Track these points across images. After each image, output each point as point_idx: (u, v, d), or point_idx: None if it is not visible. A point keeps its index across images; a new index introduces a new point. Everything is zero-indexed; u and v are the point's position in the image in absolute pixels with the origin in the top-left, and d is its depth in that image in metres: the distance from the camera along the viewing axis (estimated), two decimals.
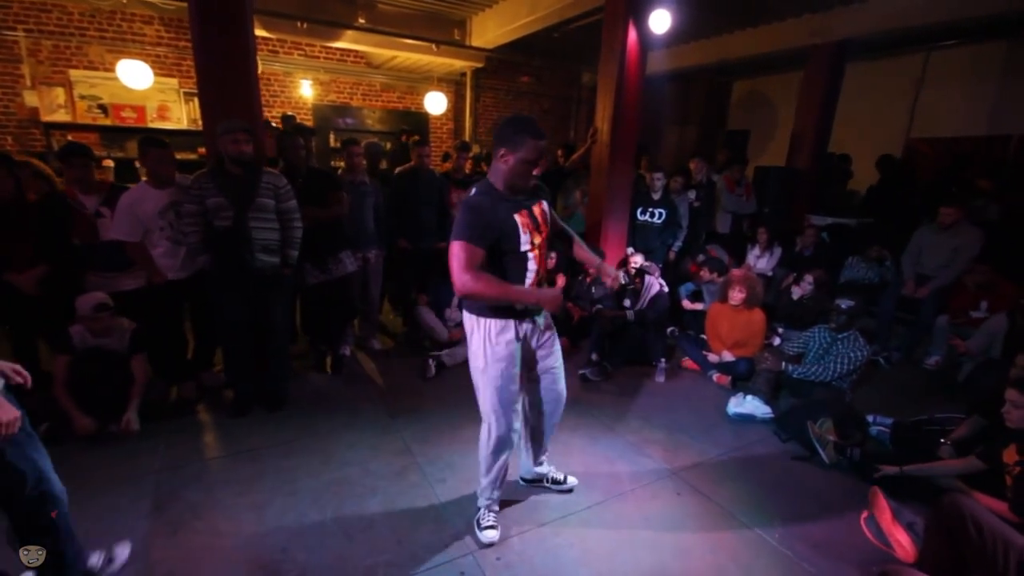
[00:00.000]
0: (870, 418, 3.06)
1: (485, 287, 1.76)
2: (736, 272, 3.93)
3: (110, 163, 5.91)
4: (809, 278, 4.31)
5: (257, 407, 3.07)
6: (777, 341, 4.22)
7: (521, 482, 2.48)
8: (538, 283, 1.95)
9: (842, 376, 3.24)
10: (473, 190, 1.87)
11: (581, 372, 3.73)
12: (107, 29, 6.09)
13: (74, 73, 5.91)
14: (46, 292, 2.96)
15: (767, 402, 3.25)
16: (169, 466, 2.53)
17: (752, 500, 2.46)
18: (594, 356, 3.89)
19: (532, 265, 1.90)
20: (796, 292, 4.44)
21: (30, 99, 5.74)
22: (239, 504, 2.28)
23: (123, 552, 1.94)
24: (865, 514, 2.34)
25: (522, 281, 1.89)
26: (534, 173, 1.83)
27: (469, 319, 1.97)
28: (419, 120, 8.13)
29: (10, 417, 1.38)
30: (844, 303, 3.28)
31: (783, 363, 3.40)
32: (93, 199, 2.98)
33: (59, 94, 5.85)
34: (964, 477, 2.24)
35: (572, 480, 2.48)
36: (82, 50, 6.01)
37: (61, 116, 5.87)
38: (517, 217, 1.83)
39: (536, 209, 1.92)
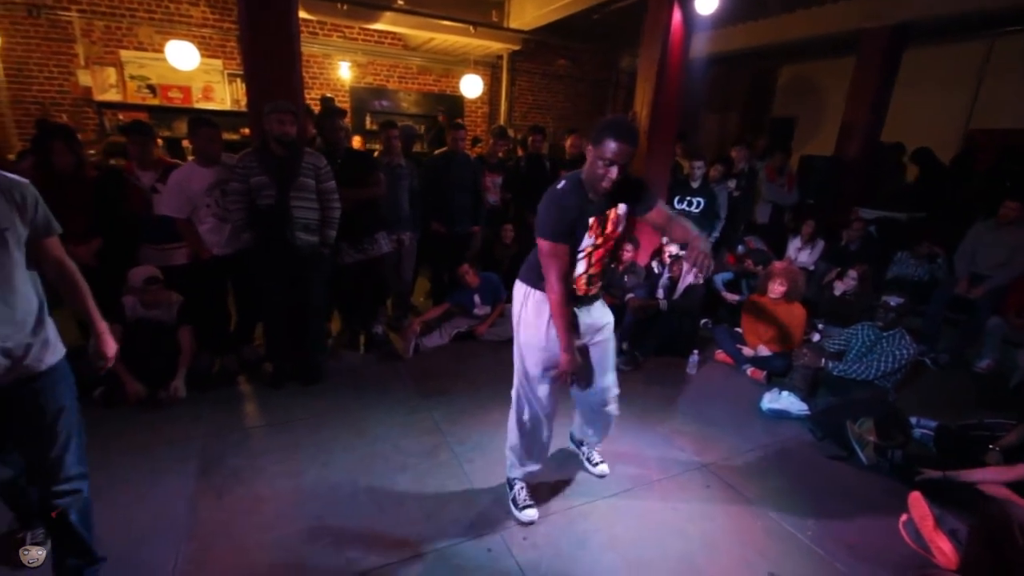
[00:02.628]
0: (913, 420, 2.95)
1: (555, 305, 1.87)
2: (778, 264, 3.82)
3: (160, 142, 6.14)
4: (854, 273, 4.15)
5: (294, 381, 3.17)
6: (817, 337, 4.10)
7: (571, 444, 2.59)
8: (586, 280, 1.98)
9: (885, 375, 3.12)
10: (563, 182, 1.87)
11: None
12: (155, 10, 6.27)
13: (124, 54, 6.13)
14: (102, 264, 3.12)
15: (803, 399, 3.17)
16: (213, 432, 2.65)
17: (784, 497, 2.42)
18: (624, 345, 3.86)
19: (581, 267, 1.94)
20: (839, 287, 4.29)
21: (84, 78, 5.98)
22: (277, 472, 2.38)
23: None
24: (904, 518, 2.27)
25: (570, 274, 1.94)
26: (611, 177, 1.74)
27: (522, 287, 2.04)
28: (454, 103, 8.12)
29: (114, 351, 1.63)
30: (892, 300, 3.14)
31: (822, 360, 3.30)
32: (150, 175, 3.12)
33: (111, 74, 6.09)
34: (1011, 485, 2.14)
35: (603, 468, 2.48)
36: (132, 31, 6.21)
37: (113, 96, 6.11)
38: (591, 219, 1.85)
39: (611, 214, 1.90)
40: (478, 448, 2.65)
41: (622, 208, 1.94)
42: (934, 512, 2.16)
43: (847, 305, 4.15)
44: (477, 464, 2.52)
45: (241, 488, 2.26)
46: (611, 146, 1.71)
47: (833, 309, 4.25)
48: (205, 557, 1.90)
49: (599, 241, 1.91)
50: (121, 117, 6.08)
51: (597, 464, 2.49)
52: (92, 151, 5.39)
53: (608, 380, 2.21)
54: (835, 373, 3.23)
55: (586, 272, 1.97)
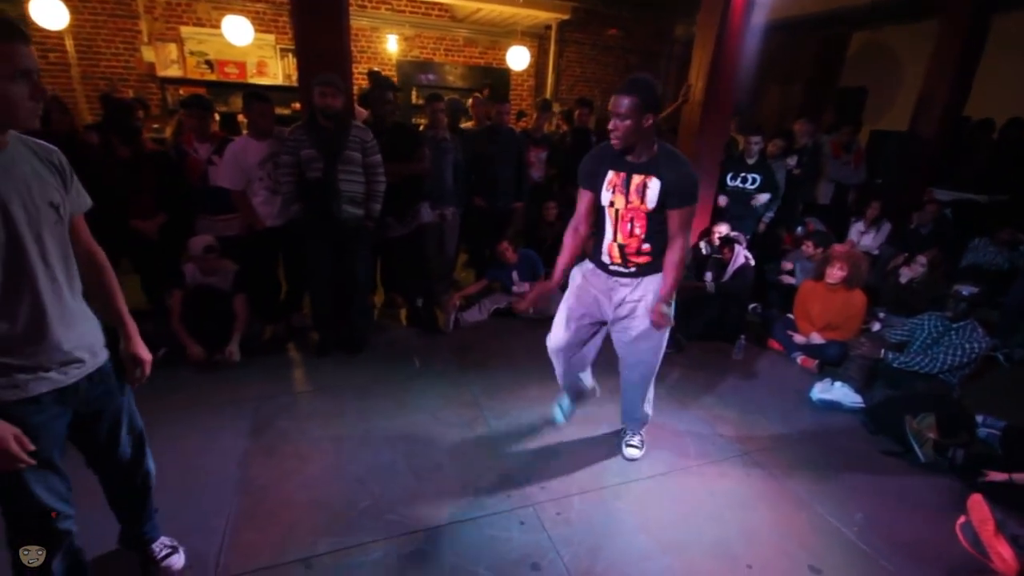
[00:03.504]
0: (979, 418, 2.75)
1: (565, 241, 2.18)
2: (838, 247, 3.59)
3: (216, 116, 6.37)
4: (922, 259, 3.86)
5: (339, 350, 3.29)
6: (877, 327, 3.86)
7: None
8: (620, 252, 2.06)
9: (952, 369, 2.91)
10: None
11: None
12: None
13: (184, 30, 6.35)
14: (165, 236, 3.30)
15: (858, 391, 3.00)
16: (264, 395, 2.79)
17: (830, 490, 2.32)
18: None
19: (608, 225, 2.04)
20: (905, 274, 4.00)
21: (147, 54, 6.25)
22: (322, 436, 2.49)
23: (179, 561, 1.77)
24: (962, 520, 2.13)
25: (602, 236, 2.09)
26: (613, 129, 1.88)
27: None
28: (500, 76, 7.99)
29: (150, 357, 1.47)
30: (965, 289, 2.91)
31: (882, 350, 3.11)
32: (207, 147, 3.25)
33: (172, 50, 6.33)
34: None
35: (631, 452, 2.43)
36: (191, 7, 6.41)
37: (174, 71, 6.37)
38: (611, 172, 1.98)
39: (636, 178, 1.94)
40: (515, 423, 2.67)
41: (655, 183, 1.92)
42: (996, 516, 2.01)
43: (913, 294, 3.88)
44: (513, 438, 2.55)
45: (289, 448, 2.39)
46: (612, 99, 1.86)
47: (897, 297, 3.98)
48: (255, 510, 2.02)
49: (619, 201, 1.98)
50: (182, 92, 6.34)
51: (630, 446, 2.45)
52: (156, 125, 5.67)
53: (637, 324, 2.12)
54: (895, 365, 3.04)
55: (615, 240, 2.04)
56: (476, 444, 2.50)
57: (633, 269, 2.07)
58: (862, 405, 2.93)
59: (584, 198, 2.08)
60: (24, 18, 5.43)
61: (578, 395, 2.51)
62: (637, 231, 1.99)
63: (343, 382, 2.97)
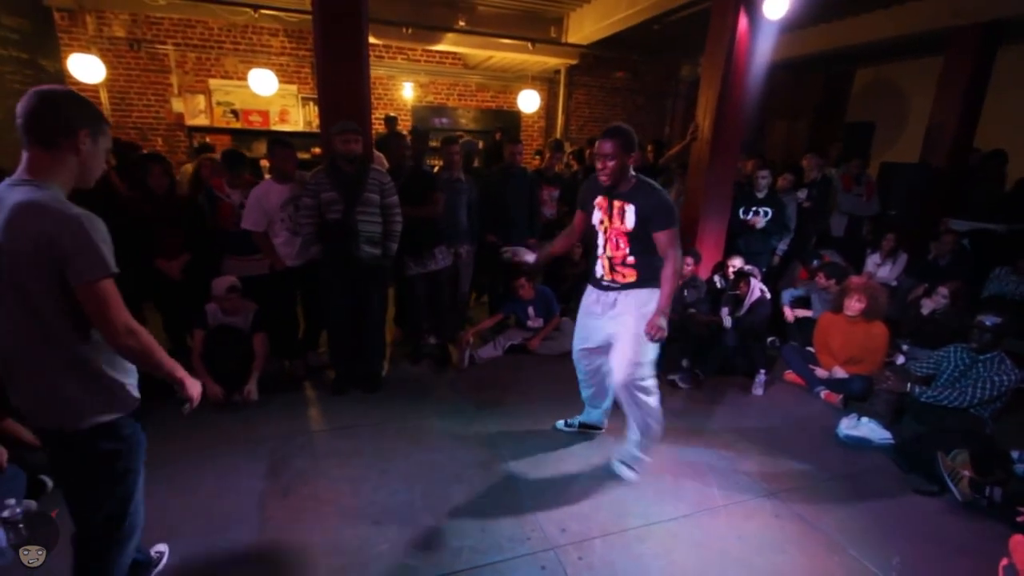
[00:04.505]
0: (1015, 454, 2.63)
1: (560, 237, 2.77)
2: (855, 279, 3.55)
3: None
4: (944, 291, 3.80)
5: (355, 388, 3.29)
6: (901, 360, 3.78)
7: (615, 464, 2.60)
8: (608, 263, 2.41)
9: (982, 403, 2.82)
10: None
11: (671, 378, 3.58)
12: (240, 42, 6.82)
13: (212, 82, 6.71)
14: (188, 276, 3.39)
15: (887, 427, 2.91)
16: (281, 434, 2.79)
17: (864, 532, 2.22)
18: (685, 362, 3.72)
19: (600, 241, 2.42)
20: (927, 306, 3.94)
21: (177, 105, 6.59)
22: (339, 476, 2.46)
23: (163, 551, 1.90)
24: (1004, 562, 2.02)
25: (595, 252, 2.46)
26: (601, 169, 2.27)
27: None
28: (511, 118, 8.25)
29: (199, 390, 1.48)
30: (989, 320, 2.85)
31: (908, 384, 3.03)
32: (238, 193, 3.36)
33: (200, 101, 6.67)
34: None
35: (625, 471, 2.51)
36: (219, 61, 6.78)
37: (201, 120, 6.69)
38: (599, 197, 2.38)
39: (616, 204, 2.32)
40: (532, 461, 2.63)
41: (631, 208, 2.28)
42: None
43: (936, 325, 3.80)
44: (531, 477, 2.50)
45: (305, 488, 2.36)
46: (596, 144, 2.27)
47: (920, 329, 3.91)
48: (270, 554, 1.98)
49: (606, 222, 2.37)
50: (208, 139, 6.64)
51: (623, 464, 2.53)
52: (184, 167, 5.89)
53: (620, 331, 2.39)
54: (923, 399, 2.95)
55: (604, 253, 2.41)
56: (493, 484, 2.45)
57: (620, 284, 2.40)
58: (891, 441, 2.84)
59: (579, 216, 2.57)
60: (62, 72, 5.81)
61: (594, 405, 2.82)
62: (621, 246, 2.36)
63: (360, 421, 2.96)
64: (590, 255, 2.54)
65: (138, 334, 1.25)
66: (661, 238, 2.27)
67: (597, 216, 2.39)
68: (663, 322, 2.19)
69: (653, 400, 2.40)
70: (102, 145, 1.31)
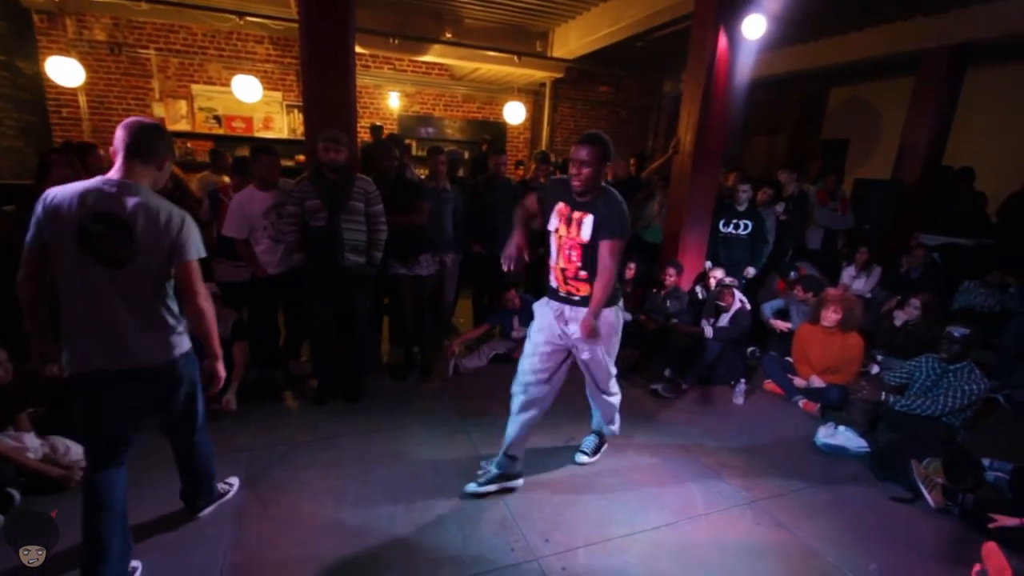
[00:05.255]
0: (986, 462, 2.71)
1: (517, 214, 2.46)
2: (832, 291, 3.64)
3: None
4: (916, 302, 3.91)
5: (337, 398, 3.25)
6: (876, 369, 3.87)
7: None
8: (561, 274, 2.32)
9: (954, 412, 2.90)
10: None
11: (653, 388, 3.62)
12: (224, 48, 6.77)
13: (195, 87, 6.63)
14: None
15: (863, 435, 2.98)
16: (260, 445, 2.74)
17: (842, 540, 2.26)
18: (667, 372, 3.76)
19: (554, 250, 2.34)
20: (900, 317, 4.05)
21: (158, 110, 6.49)
22: (319, 487, 2.42)
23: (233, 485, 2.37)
24: (977, 568, 2.07)
25: (549, 262, 2.39)
26: (576, 174, 2.17)
27: None
28: (497, 129, 8.31)
29: (224, 374, 1.95)
30: (957, 331, 2.94)
31: (883, 393, 3.11)
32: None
33: (182, 106, 6.59)
34: None
35: (584, 458, 2.72)
36: (203, 67, 6.71)
37: (183, 126, 6.60)
38: (560, 203, 2.28)
39: (576, 214, 2.24)
40: None
41: (589, 219, 2.20)
42: (1013, 565, 1.96)
43: (908, 336, 3.91)
44: (515, 488, 2.49)
45: (285, 499, 2.32)
46: (573, 149, 2.17)
47: (893, 340, 4.02)
48: (249, 566, 1.94)
49: (562, 230, 2.27)
50: (189, 145, 6.56)
51: (581, 452, 2.74)
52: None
53: (588, 376, 2.52)
54: (897, 408, 3.03)
55: (557, 264, 2.32)
56: (477, 494, 2.43)
57: (577, 299, 2.32)
58: (867, 449, 2.90)
59: (533, 200, 2.43)
60: (40, 75, 5.69)
61: (511, 460, 2.46)
62: (574, 258, 2.28)
63: (341, 431, 2.92)
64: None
65: (210, 301, 1.82)
66: (603, 246, 2.18)
67: (554, 223, 2.31)
68: (595, 323, 2.19)
69: (617, 398, 2.66)
70: (168, 168, 1.80)
